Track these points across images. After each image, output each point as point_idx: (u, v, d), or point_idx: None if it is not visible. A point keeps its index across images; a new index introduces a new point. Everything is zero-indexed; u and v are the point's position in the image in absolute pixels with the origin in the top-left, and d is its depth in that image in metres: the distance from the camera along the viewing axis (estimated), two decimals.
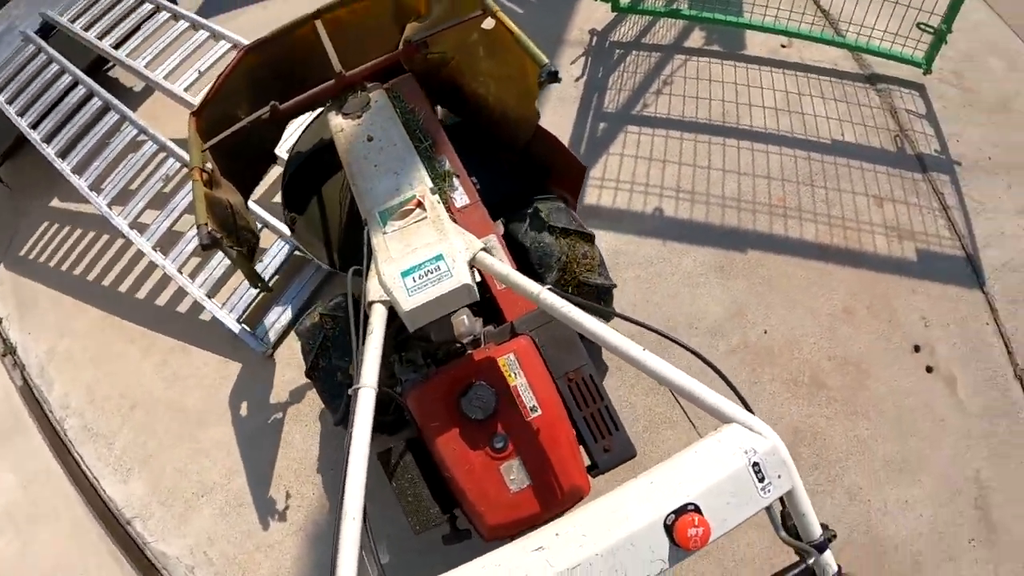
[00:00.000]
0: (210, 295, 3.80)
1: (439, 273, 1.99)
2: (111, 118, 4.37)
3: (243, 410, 3.60)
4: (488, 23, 2.64)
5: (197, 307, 3.91)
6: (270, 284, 3.52)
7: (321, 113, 3.14)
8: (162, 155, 4.20)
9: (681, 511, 1.34)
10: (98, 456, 3.68)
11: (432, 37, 2.76)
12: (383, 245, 2.16)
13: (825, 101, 4.00)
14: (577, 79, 4.22)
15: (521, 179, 2.95)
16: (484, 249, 2.10)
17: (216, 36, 4.52)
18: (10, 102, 4.70)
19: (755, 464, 1.41)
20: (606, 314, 2.39)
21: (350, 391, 1.76)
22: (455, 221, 2.33)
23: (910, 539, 2.80)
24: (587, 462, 2.23)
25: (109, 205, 4.13)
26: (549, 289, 1.84)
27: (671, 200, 3.71)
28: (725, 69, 4.18)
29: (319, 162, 3.10)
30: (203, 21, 4.61)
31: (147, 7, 4.80)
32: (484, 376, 2.09)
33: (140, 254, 4.07)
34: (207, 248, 2.41)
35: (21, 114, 4.61)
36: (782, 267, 3.45)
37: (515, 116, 2.72)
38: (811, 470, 2.95)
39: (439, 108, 3.09)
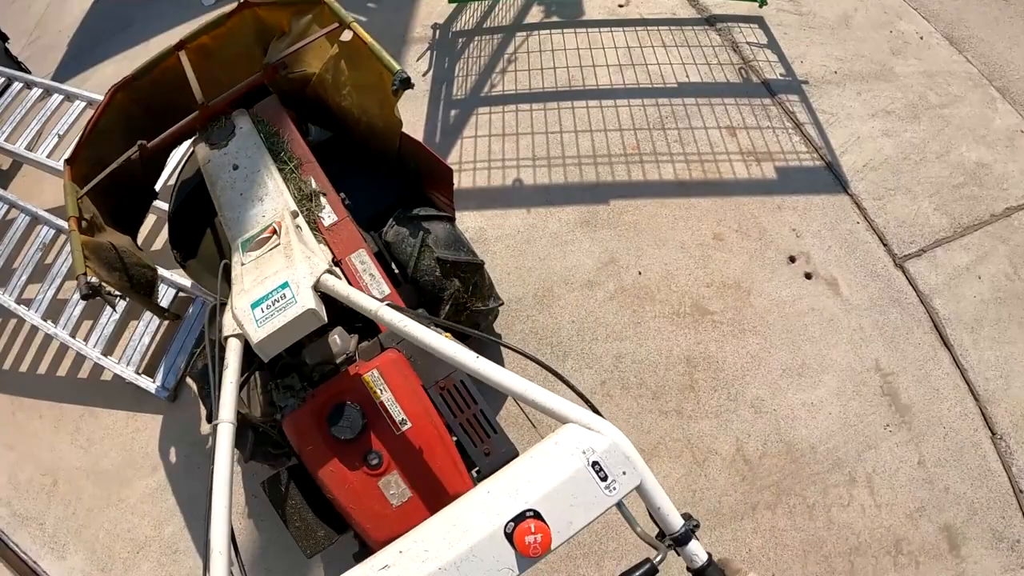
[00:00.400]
0: (105, 352, 3.66)
1: (285, 301, 1.97)
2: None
3: (161, 457, 3.50)
4: (346, 35, 2.62)
5: (97, 367, 3.77)
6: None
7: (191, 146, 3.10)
8: (37, 226, 4.07)
9: (520, 518, 1.30)
10: (32, 539, 3.51)
11: (291, 55, 2.74)
12: (239, 278, 2.14)
13: (667, 49, 4.00)
14: (424, 74, 4.14)
15: (397, 188, 2.90)
16: (329, 271, 2.06)
17: (70, 97, 4.39)
18: None
19: (595, 463, 1.35)
20: (464, 334, 2.28)
21: (209, 426, 1.73)
22: (323, 240, 2.35)
23: (824, 437, 2.75)
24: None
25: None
26: (388, 305, 1.82)
27: (528, 169, 3.64)
28: (567, 37, 4.16)
29: (202, 195, 3.03)
30: (57, 85, 4.49)
31: None
32: (351, 395, 2.07)
33: (33, 330, 3.94)
34: (86, 298, 2.32)
35: None
36: (647, 210, 3.39)
37: (380, 125, 2.69)
38: (711, 392, 2.89)
39: (311, 126, 3.13)
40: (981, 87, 3.75)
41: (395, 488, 2.02)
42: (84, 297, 2.27)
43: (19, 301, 3.88)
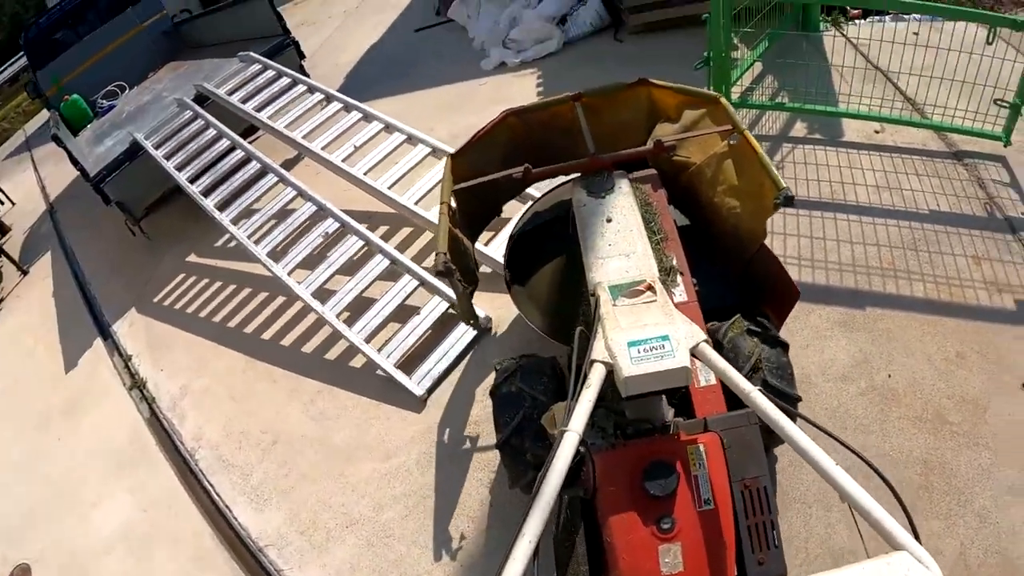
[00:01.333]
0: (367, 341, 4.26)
1: (662, 351, 2.07)
2: (269, 180, 5.20)
3: (397, 448, 3.92)
4: (734, 139, 2.86)
5: (346, 354, 4.40)
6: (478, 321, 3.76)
7: (561, 184, 3.43)
8: (320, 214, 4.91)
9: None
10: (232, 485, 4.00)
11: (681, 141, 3.03)
12: (612, 315, 2.28)
13: (919, 177, 4.50)
14: None
15: (737, 293, 3.05)
16: (705, 341, 2.16)
17: (368, 117, 5.44)
18: (168, 158, 5.60)
19: None
20: (796, 417, 2.29)
21: (556, 431, 1.90)
22: None
23: (1017, 537, 3.01)
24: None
25: (268, 255, 4.77)
26: (760, 390, 1.91)
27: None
28: (828, 154, 4.76)
29: (547, 231, 3.33)
30: (357, 103, 5.59)
31: (300, 88, 5.89)
32: (671, 458, 2.14)
33: (285, 304, 4.76)
34: (441, 275, 2.74)
35: (179, 169, 5.49)
36: (898, 320, 3.82)
37: (744, 231, 2.86)
38: (943, 495, 3.18)
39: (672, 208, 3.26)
40: None
41: (671, 558, 2.06)
42: (439, 274, 2.69)
43: (291, 274, 4.63)
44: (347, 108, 5.61)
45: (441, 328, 4.26)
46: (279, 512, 3.83)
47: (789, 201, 2.55)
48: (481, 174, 3.11)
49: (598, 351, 2.15)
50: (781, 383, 2.65)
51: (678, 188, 3.18)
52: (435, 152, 5.06)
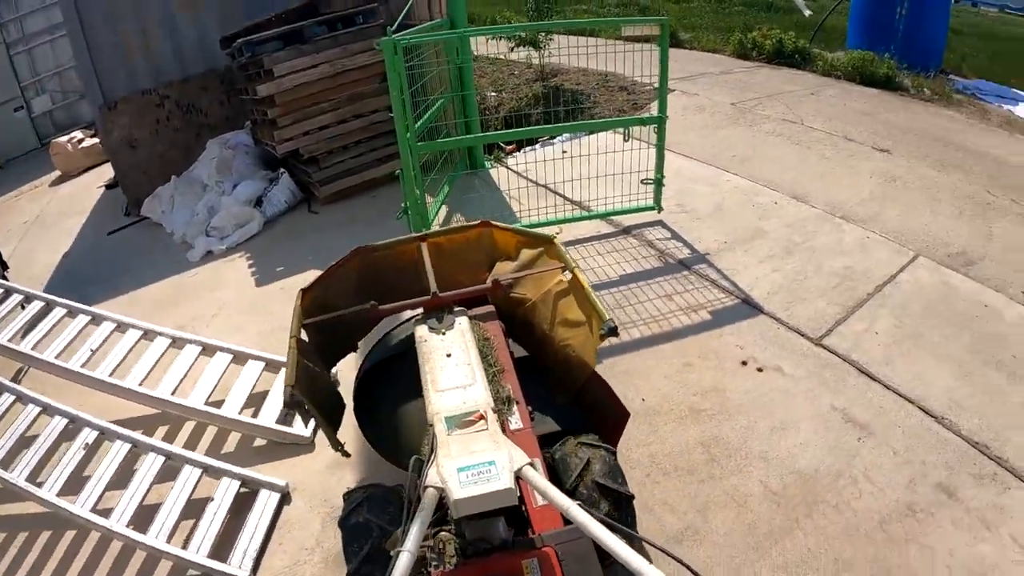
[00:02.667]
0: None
1: (489, 475, 2.19)
2: (4, 401, 4.59)
3: None
4: (566, 276, 3.10)
5: (148, 566, 3.95)
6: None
7: (407, 320, 3.50)
8: (73, 427, 4.42)
9: None
10: None
11: (518, 279, 3.26)
12: (446, 444, 2.40)
13: (604, 255, 5.51)
14: None
15: (573, 418, 3.19)
16: (530, 464, 2.28)
17: (96, 319, 5.26)
18: None
19: None
20: (629, 535, 2.37)
21: (392, 551, 1.98)
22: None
23: (819, 461, 3.70)
24: None
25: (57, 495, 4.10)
26: (579, 505, 2.00)
27: None
28: None
29: (394, 365, 3.39)
30: (83, 307, 5.40)
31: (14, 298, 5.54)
32: (506, 575, 2.21)
33: (53, 539, 4.15)
34: (289, 407, 2.75)
35: None
36: (630, 360, 4.48)
37: (575, 361, 3.03)
38: (728, 459, 3.78)
39: (510, 340, 3.37)
40: (829, 221, 5.54)
41: None
42: (287, 405, 2.74)
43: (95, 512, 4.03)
44: (71, 313, 5.37)
45: (242, 503, 4.07)
46: None
47: (613, 331, 2.75)
48: (331, 309, 3.26)
49: (431, 477, 2.27)
50: (612, 483, 2.77)
51: (516, 323, 3.40)
52: (175, 342, 5.03)
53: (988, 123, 8.66)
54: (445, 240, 3.51)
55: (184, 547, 3.79)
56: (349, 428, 3.49)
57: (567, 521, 2.34)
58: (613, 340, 4.16)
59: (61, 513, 4.04)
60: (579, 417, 3.21)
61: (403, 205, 5.48)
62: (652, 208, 5.74)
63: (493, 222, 3.50)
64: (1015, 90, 10.49)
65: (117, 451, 4.25)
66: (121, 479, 4.15)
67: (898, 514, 3.48)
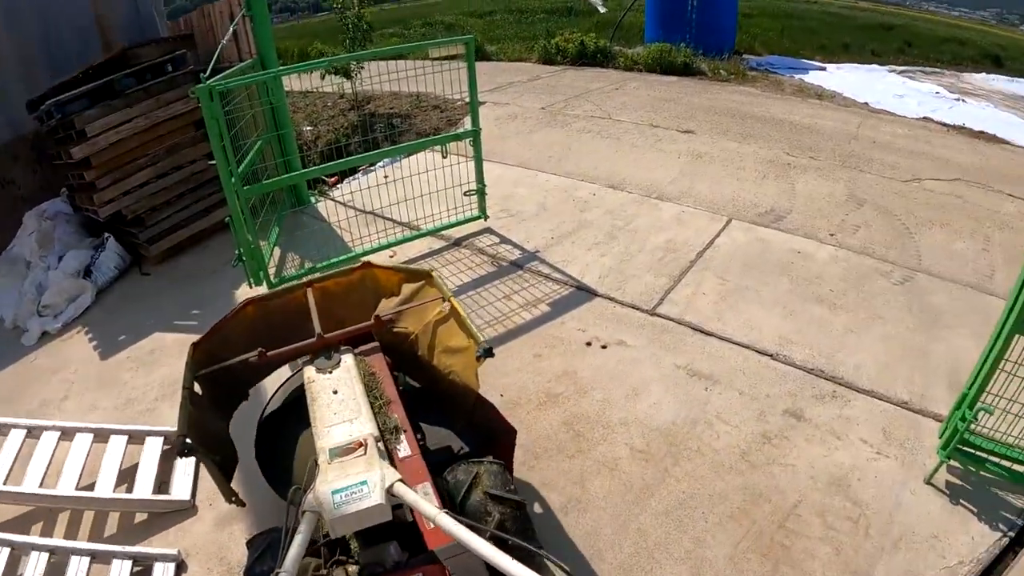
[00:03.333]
0: None
1: (361, 494, 2.31)
2: None
3: None
4: (444, 307, 3.23)
5: None
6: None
7: (296, 372, 3.55)
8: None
9: None
10: None
11: (398, 314, 3.38)
12: (325, 472, 2.49)
13: (441, 268, 5.44)
14: None
15: (468, 443, 3.34)
16: (401, 481, 2.37)
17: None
18: None
19: None
20: (500, 538, 2.47)
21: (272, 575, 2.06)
22: (396, 467, 2.62)
23: (675, 415, 3.77)
24: None
25: None
26: (446, 513, 2.09)
27: None
28: None
29: (290, 412, 3.45)
30: None
31: None
32: None
33: None
34: (181, 455, 2.74)
35: None
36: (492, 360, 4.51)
37: (460, 385, 3.18)
38: (591, 431, 3.85)
39: (402, 374, 3.57)
40: (646, 202, 5.71)
41: None
42: (179, 454, 2.73)
43: None
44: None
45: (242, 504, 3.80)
46: None
47: (489, 352, 2.93)
48: (222, 361, 3.27)
49: (308, 503, 2.35)
50: (501, 491, 2.87)
51: (404, 356, 3.50)
52: (31, 432, 4.58)
53: (782, 93, 9.45)
54: (332, 284, 3.60)
55: None
56: (238, 477, 3.44)
57: None
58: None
59: None
60: (476, 441, 3.34)
61: (237, 252, 5.28)
62: (478, 217, 5.79)
63: (373, 262, 3.62)
64: (804, 60, 11.57)
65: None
66: None
67: (756, 444, 3.66)
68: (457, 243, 5.69)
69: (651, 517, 3.33)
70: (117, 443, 4.55)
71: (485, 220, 5.79)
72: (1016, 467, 3.31)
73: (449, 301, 3.20)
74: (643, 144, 7.16)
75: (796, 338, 4.31)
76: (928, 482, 3.39)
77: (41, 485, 4.31)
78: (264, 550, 2.92)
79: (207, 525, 4.00)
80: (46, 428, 4.63)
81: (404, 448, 2.85)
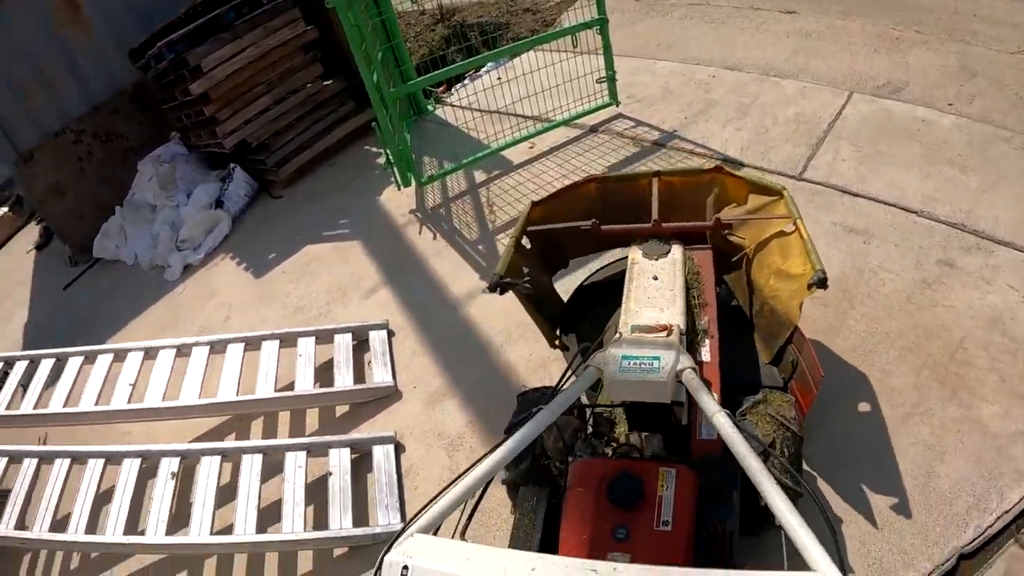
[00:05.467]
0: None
1: (650, 369, 2.23)
2: (59, 468, 4.37)
3: None
4: (789, 227, 3.04)
5: (287, 565, 3.93)
6: None
7: (619, 260, 3.63)
8: (148, 464, 4.27)
9: None
10: None
11: (739, 223, 3.23)
12: (621, 340, 2.47)
13: (581, 155, 5.86)
14: (435, 238, 5.63)
15: (762, 377, 3.13)
16: (693, 369, 2.23)
17: (119, 356, 5.09)
18: None
19: None
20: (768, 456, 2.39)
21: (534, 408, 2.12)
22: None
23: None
24: None
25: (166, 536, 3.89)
26: (727, 413, 1.94)
27: None
28: (514, 178, 5.89)
29: (603, 292, 3.53)
30: (90, 348, 5.29)
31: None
32: (639, 474, 2.25)
33: (224, 563, 3.99)
34: (492, 290, 2.93)
35: None
36: None
37: (781, 313, 2.97)
38: None
39: (723, 287, 3.47)
40: (766, 81, 6.10)
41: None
42: (491, 289, 2.91)
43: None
44: (89, 358, 5.15)
45: (360, 468, 4.11)
46: None
47: (823, 283, 2.65)
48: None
49: (595, 359, 2.36)
50: (783, 476, 2.53)
51: (729, 269, 3.43)
52: (215, 347, 4.92)
53: None
54: (678, 180, 3.49)
55: (326, 529, 3.75)
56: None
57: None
58: None
59: (178, 552, 3.93)
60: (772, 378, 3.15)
61: (385, 156, 5.68)
62: (610, 104, 6.13)
63: (726, 168, 3.44)
64: None
65: (208, 468, 4.11)
66: (227, 493, 4.09)
67: (918, 289, 4.07)
68: (593, 130, 6.05)
69: (840, 352, 3.77)
70: (306, 345, 4.83)
71: (617, 106, 6.13)
72: None
73: (797, 223, 2.98)
74: (749, 27, 7.33)
75: (937, 196, 4.65)
76: None
77: (237, 393, 4.59)
78: (525, 418, 2.97)
79: (416, 406, 4.36)
80: (231, 340, 4.94)
81: (706, 353, 2.77)
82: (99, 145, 7.94)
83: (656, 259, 3.00)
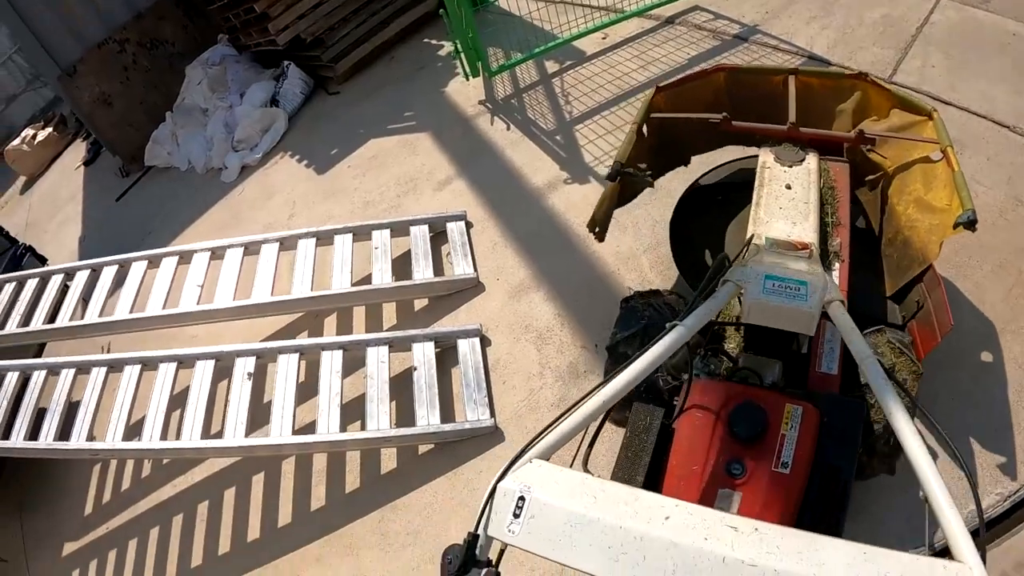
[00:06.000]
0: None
1: (796, 293, 2.05)
2: (130, 375, 4.29)
3: None
4: (936, 155, 2.73)
5: (370, 462, 3.84)
6: None
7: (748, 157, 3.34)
8: (221, 365, 4.17)
9: None
10: None
11: (883, 139, 2.95)
12: (760, 253, 2.31)
13: (657, 47, 5.53)
14: (508, 129, 5.42)
15: (885, 311, 2.90)
16: (842, 302, 2.09)
17: (184, 256, 4.94)
18: None
19: None
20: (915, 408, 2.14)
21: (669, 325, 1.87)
22: None
23: None
24: None
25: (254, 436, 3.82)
26: (877, 360, 1.79)
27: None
28: (588, 69, 5.59)
29: (722, 192, 3.34)
30: (158, 251, 5.14)
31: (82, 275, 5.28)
32: (765, 407, 2.07)
33: (304, 464, 3.95)
34: (612, 179, 2.80)
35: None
36: None
37: (917, 246, 2.67)
38: None
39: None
40: None
41: (724, 503, 1.96)
42: (610, 178, 2.80)
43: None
44: (152, 262, 5.03)
45: (444, 362, 3.99)
46: None
47: (972, 224, 2.36)
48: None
49: (734, 274, 2.16)
50: (906, 349, 2.51)
51: (866, 187, 3.15)
52: (284, 243, 4.75)
53: None
54: (816, 81, 3.21)
55: (413, 425, 3.63)
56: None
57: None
58: None
59: (258, 453, 3.86)
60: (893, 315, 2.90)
61: (454, 44, 5.44)
62: None
63: (873, 76, 3.14)
64: None
65: (286, 367, 3.98)
66: (308, 389, 4.00)
67: (1012, 204, 3.80)
68: (669, 21, 5.69)
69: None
70: (381, 237, 4.58)
71: None
72: None
73: (947, 151, 2.66)
74: None
75: None
76: None
77: (313, 286, 4.39)
78: (627, 337, 2.81)
79: (500, 299, 4.21)
80: (300, 236, 4.71)
81: (835, 277, 2.60)
82: (144, 53, 7.78)
83: (790, 166, 2.80)
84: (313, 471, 3.89)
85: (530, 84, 5.79)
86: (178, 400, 4.12)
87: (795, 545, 1.27)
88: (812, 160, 2.83)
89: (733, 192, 3.15)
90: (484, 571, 1.35)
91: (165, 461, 4.27)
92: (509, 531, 1.41)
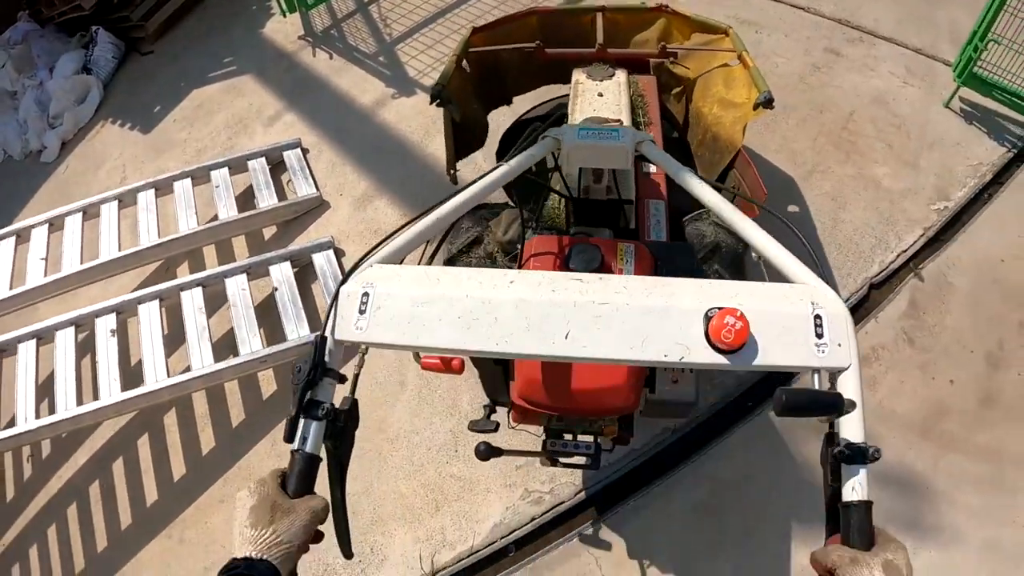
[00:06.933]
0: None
1: (609, 137, 2.19)
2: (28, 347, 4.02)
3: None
4: (735, 62, 2.97)
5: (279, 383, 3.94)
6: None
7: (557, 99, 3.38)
8: (81, 328, 4.03)
9: (725, 311, 1.24)
10: None
11: (684, 53, 3.21)
12: (574, 117, 2.64)
13: None
14: (331, 58, 5.47)
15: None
16: (652, 142, 2.22)
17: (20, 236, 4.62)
18: None
19: (817, 316, 1.27)
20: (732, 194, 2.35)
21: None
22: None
23: None
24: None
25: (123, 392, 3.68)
26: (691, 171, 1.92)
27: None
28: None
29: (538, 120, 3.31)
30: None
31: None
32: (597, 246, 2.15)
33: (185, 409, 3.97)
34: (434, 100, 2.85)
35: None
36: None
37: (724, 138, 2.92)
38: None
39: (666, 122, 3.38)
40: None
41: None
42: (433, 99, 2.84)
43: None
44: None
45: (303, 279, 4.13)
46: None
47: (769, 102, 2.61)
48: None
49: (552, 131, 2.28)
50: (735, 274, 2.61)
51: (671, 100, 3.37)
52: (122, 201, 4.61)
53: None
54: (622, 17, 3.41)
55: (283, 342, 3.72)
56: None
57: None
58: None
59: (137, 405, 3.76)
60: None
61: None
62: None
63: (671, 7, 3.36)
64: None
65: (149, 315, 3.92)
66: (176, 338, 4.01)
67: (808, 71, 4.49)
68: None
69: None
70: (219, 176, 4.62)
71: None
72: (1018, 100, 3.86)
73: (743, 55, 2.92)
74: None
75: None
76: (947, 106, 4.06)
77: (160, 235, 4.36)
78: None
79: (346, 211, 4.45)
80: (139, 189, 4.61)
81: (652, 168, 2.83)
82: None
83: (601, 80, 3.00)
84: (196, 417, 3.95)
85: (348, 13, 5.82)
86: (47, 378, 3.99)
87: (642, 285, 1.34)
88: (621, 75, 3.05)
89: (554, 124, 3.43)
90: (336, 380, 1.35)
91: (45, 455, 4.10)
92: (357, 328, 1.38)
